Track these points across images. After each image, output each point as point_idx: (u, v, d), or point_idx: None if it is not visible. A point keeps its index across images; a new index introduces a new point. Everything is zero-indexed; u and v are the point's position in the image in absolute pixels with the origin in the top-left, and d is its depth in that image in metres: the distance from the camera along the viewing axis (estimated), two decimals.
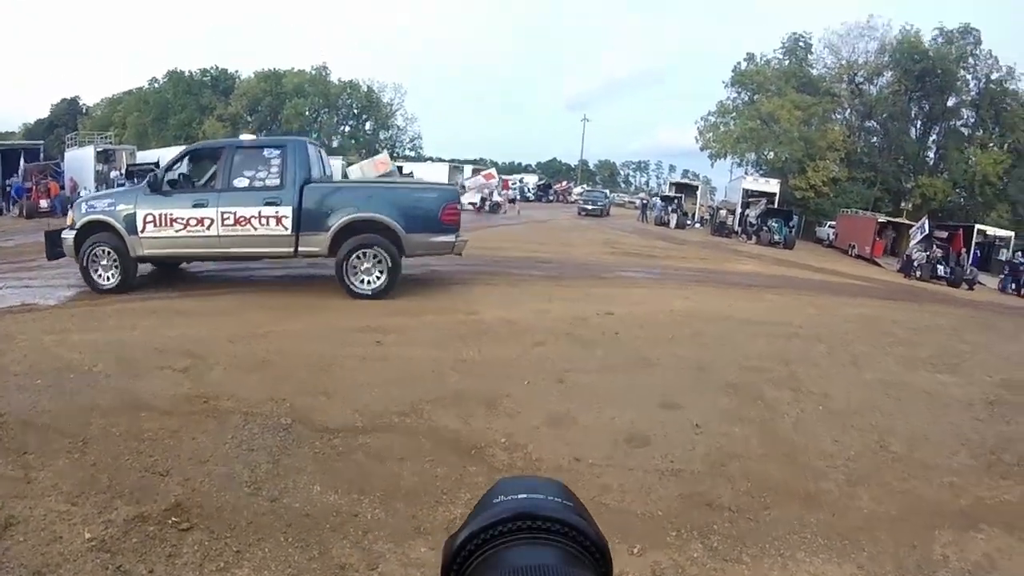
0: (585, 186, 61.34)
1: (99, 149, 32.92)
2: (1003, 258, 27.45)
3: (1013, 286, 24.94)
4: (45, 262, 11.54)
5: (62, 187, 25.68)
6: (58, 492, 4.08)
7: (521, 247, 19.43)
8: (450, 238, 10.32)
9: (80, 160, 31.38)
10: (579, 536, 0.56)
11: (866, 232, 32.10)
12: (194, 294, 10.08)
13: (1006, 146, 43.85)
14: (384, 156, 32.25)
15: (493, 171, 43.56)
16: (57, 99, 80.00)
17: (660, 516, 4.29)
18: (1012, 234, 30.40)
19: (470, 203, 36.23)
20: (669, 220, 37.37)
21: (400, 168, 32.02)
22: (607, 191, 56.24)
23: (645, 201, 49.45)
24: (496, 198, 37.79)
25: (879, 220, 32.27)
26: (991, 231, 30.53)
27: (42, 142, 31.18)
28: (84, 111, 76.87)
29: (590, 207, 43.12)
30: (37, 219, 22.16)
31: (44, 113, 78.70)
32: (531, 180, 43.65)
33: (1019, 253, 27.75)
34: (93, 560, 3.44)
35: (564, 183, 52.92)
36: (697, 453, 5.27)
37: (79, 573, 3.33)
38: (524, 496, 0.59)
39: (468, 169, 51.35)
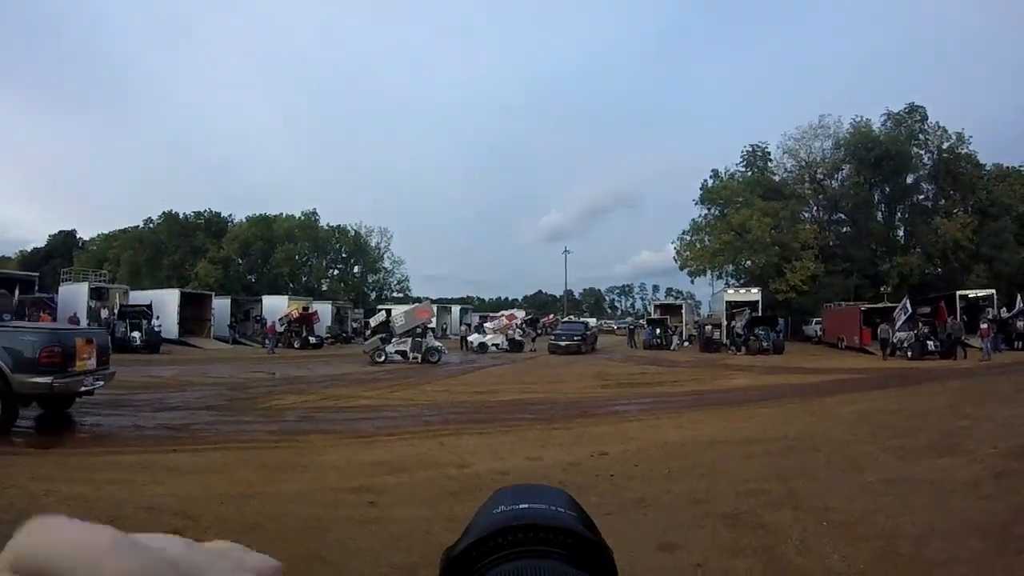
0: (571, 317, 61.47)
1: (93, 286, 33.48)
2: (991, 317, 27.54)
3: (1004, 343, 24.99)
4: (33, 404, 11.47)
5: (55, 321, 25.70)
6: None
7: (511, 389, 19.54)
8: (46, 379, 10.10)
9: (74, 295, 31.87)
10: (583, 545, 0.54)
11: (852, 323, 32.57)
12: (185, 449, 9.98)
13: (969, 208, 45.30)
14: (427, 304, 33.41)
15: (515, 312, 44.93)
16: (55, 230, 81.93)
17: None
18: (993, 291, 30.85)
19: (493, 344, 37.54)
20: (663, 342, 38.69)
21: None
22: (588, 320, 53.45)
23: (633, 326, 50.15)
24: (518, 337, 38.96)
25: (862, 309, 32.74)
26: (972, 294, 30.97)
27: (37, 274, 31.66)
28: (80, 244, 78.41)
29: (564, 343, 37.08)
30: None
31: (42, 242, 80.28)
32: (519, 315, 43.77)
33: (1003, 309, 28.02)
34: None
35: (552, 316, 53.61)
36: None
37: None
38: (526, 505, 0.57)
39: (456, 309, 52.70)
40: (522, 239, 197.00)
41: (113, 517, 6.44)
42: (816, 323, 40.48)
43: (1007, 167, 47.53)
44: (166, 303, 33.40)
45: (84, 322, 28.99)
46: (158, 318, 30.17)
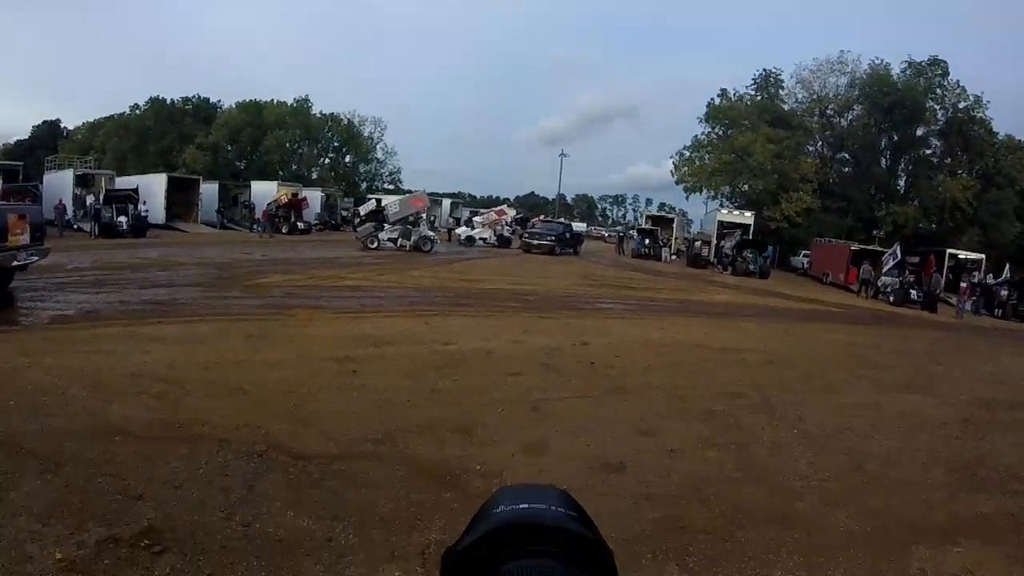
0: (542, 216, 60.72)
1: (78, 173, 32.84)
2: (975, 280, 27.83)
3: (985, 308, 25.41)
4: (20, 283, 11.41)
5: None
6: (29, 513, 4.01)
7: (499, 280, 19.61)
8: None
9: (59, 183, 31.24)
10: (582, 545, 0.54)
11: (840, 260, 32.63)
12: (171, 321, 9.99)
13: (975, 172, 44.95)
14: (422, 193, 32.79)
15: (505, 207, 44.13)
16: (38, 120, 79.74)
17: (635, 540, 4.30)
18: (983, 256, 31.02)
19: (481, 238, 36.98)
20: (652, 252, 37.87)
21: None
22: (572, 223, 50.40)
23: (623, 234, 49.74)
24: (507, 234, 38.59)
25: (852, 248, 32.78)
26: (963, 255, 31.16)
27: (22, 163, 30.90)
28: (65, 134, 76.37)
29: (535, 242, 34.40)
30: None
31: (25, 134, 78.36)
32: (509, 213, 42.87)
33: (991, 275, 28.31)
34: None
35: (542, 217, 52.48)
36: (673, 478, 5.31)
37: None
38: (525, 506, 0.58)
39: (446, 203, 51.92)
40: (519, 140, 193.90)
41: (96, 383, 6.54)
42: (804, 256, 40.60)
43: (1019, 140, 46.72)
44: (153, 188, 32.81)
45: (70, 209, 28.95)
46: (144, 203, 29.70)
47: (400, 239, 28.23)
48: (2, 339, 8.21)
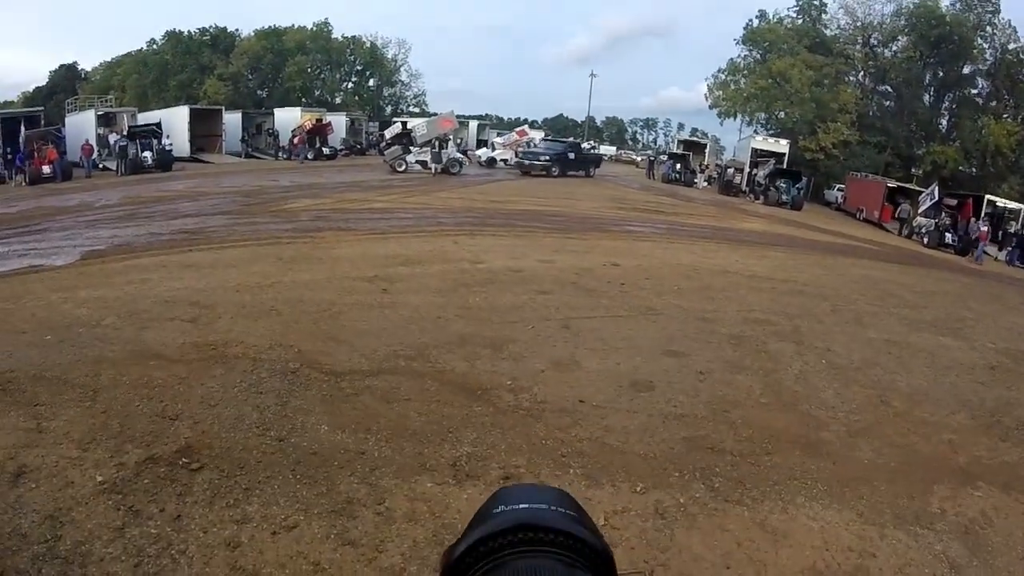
0: (592, 142, 57.58)
1: (100, 113, 32.71)
2: (1012, 230, 26.96)
3: (1019, 259, 24.72)
4: (51, 224, 11.49)
5: (63, 153, 25.53)
6: (70, 440, 4.12)
7: (527, 201, 19.43)
8: None
9: (81, 124, 31.19)
10: (582, 547, 0.54)
11: (875, 196, 31.77)
12: (202, 248, 10.08)
13: (1020, 118, 42.82)
14: (451, 114, 31.80)
15: (526, 128, 42.87)
16: (55, 65, 79.24)
17: (663, 457, 4.35)
18: (1022, 207, 29.95)
19: (502, 160, 35.91)
20: (683, 178, 36.55)
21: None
22: (576, 140, 44.26)
23: (652, 158, 48.49)
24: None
25: (888, 185, 31.86)
26: (1001, 203, 29.98)
27: (42, 109, 30.87)
28: (83, 76, 75.76)
29: (527, 162, 31.46)
30: (41, 185, 22.14)
31: (43, 80, 78.05)
32: (536, 136, 41.04)
33: None
34: (105, 502, 3.50)
35: (570, 140, 50.94)
36: (701, 399, 5.33)
37: (91, 515, 3.39)
38: (525, 506, 0.57)
39: (473, 125, 50.71)
40: (547, 60, 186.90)
41: (130, 312, 6.63)
42: (838, 189, 39.43)
43: None
44: (175, 121, 32.61)
45: (95, 149, 28.81)
46: (168, 137, 29.60)
47: (430, 161, 27.82)
48: (36, 277, 8.31)
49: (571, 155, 33.55)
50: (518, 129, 42.30)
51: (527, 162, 31.49)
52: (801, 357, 6.78)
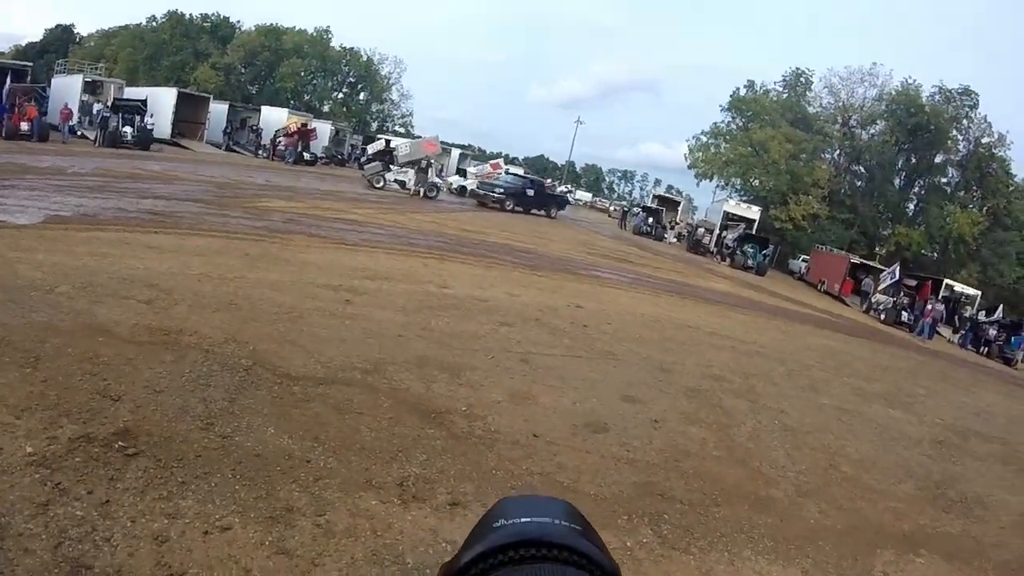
0: (569, 186, 57.61)
1: (88, 79, 32.11)
2: (967, 315, 27.88)
3: (972, 343, 25.53)
4: (19, 182, 11.18)
5: (43, 112, 24.94)
6: (3, 404, 3.95)
7: (499, 234, 19.47)
8: None
9: (67, 88, 30.60)
10: (588, 563, 0.51)
11: (838, 270, 32.55)
12: (168, 232, 9.87)
13: (985, 209, 44.55)
14: (435, 139, 31.85)
15: (500, 162, 43.20)
16: (52, 24, 78.18)
17: (612, 499, 4.33)
18: (979, 293, 30.97)
19: (472, 189, 36.08)
20: (654, 232, 37.20)
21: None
22: (539, 178, 41.82)
23: (626, 209, 49.20)
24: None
25: (852, 260, 32.70)
26: (959, 287, 31.07)
27: (31, 64, 30.25)
28: (78, 40, 74.90)
29: (482, 192, 31.39)
30: (16, 142, 21.58)
31: (37, 37, 76.87)
32: (518, 171, 41.51)
33: (983, 313, 28.35)
34: (32, 475, 3.34)
35: (549, 181, 51.39)
36: (654, 446, 5.34)
37: (15, 486, 3.23)
38: (527, 520, 0.54)
39: (455, 153, 50.96)
40: (535, 99, 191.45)
41: (86, 284, 6.45)
42: (803, 260, 40.42)
43: None
44: (161, 101, 32.07)
45: (75, 115, 28.09)
46: (152, 116, 29.13)
47: (408, 182, 27.83)
48: None
49: (529, 192, 33.19)
50: (492, 162, 42.76)
51: (482, 192, 31.45)
52: (755, 415, 6.87)
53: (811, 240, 41.77)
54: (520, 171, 43.15)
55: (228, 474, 3.72)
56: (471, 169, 40.31)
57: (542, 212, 33.32)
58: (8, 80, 24.32)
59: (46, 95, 26.70)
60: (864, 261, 33.60)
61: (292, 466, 3.92)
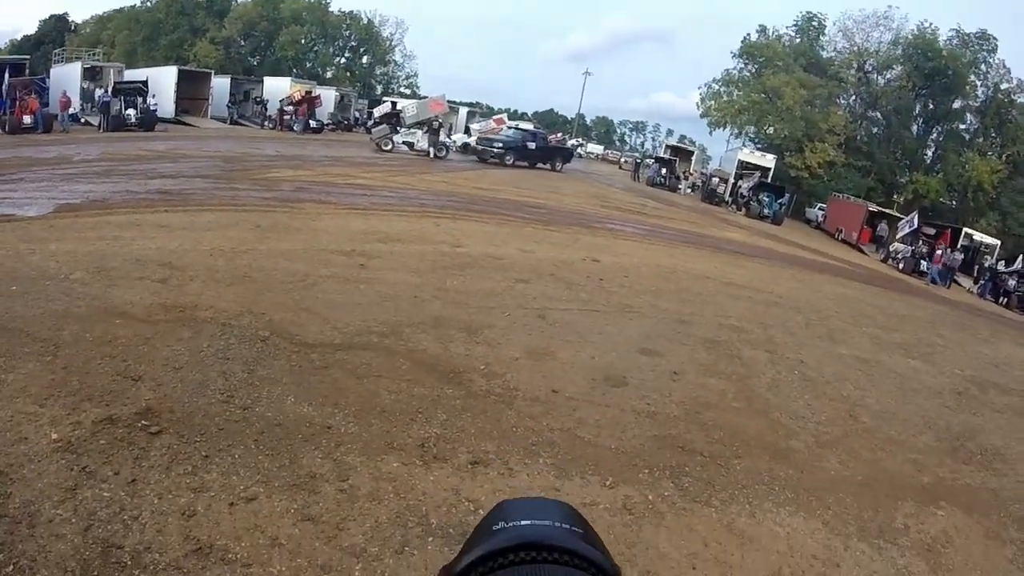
0: (579, 139, 55.89)
1: (86, 66, 31.90)
2: (986, 264, 27.37)
3: (991, 292, 25.17)
4: (27, 175, 11.19)
5: (45, 104, 24.93)
6: (26, 395, 3.98)
7: (510, 191, 19.25)
8: None
9: (66, 77, 30.41)
10: (589, 566, 0.51)
11: (855, 218, 32.05)
12: (178, 210, 9.84)
13: (1005, 156, 43.22)
14: (441, 97, 31.22)
15: (504, 117, 42.36)
16: (46, 15, 77.48)
17: (633, 453, 4.32)
18: (998, 243, 30.28)
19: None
20: (667, 182, 36.56)
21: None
22: (542, 131, 40.23)
23: (639, 160, 48.37)
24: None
25: (869, 208, 32.11)
26: (978, 236, 30.44)
27: (28, 58, 30.09)
28: (73, 28, 74.15)
29: (480, 148, 30.24)
30: (20, 135, 21.59)
31: (32, 29, 76.32)
32: (523, 127, 40.56)
33: (1003, 263, 27.88)
34: (58, 461, 3.38)
35: (559, 134, 50.14)
36: (673, 399, 5.31)
37: (43, 474, 3.27)
38: (527, 522, 0.54)
39: (463, 111, 50.22)
40: (543, 53, 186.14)
41: (99, 268, 6.46)
42: (819, 209, 39.72)
43: None
44: (163, 81, 31.83)
45: (76, 103, 28.02)
46: (154, 96, 28.93)
47: (416, 143, 27.48)
48: (7, 227, 8.04)
49: (530, 145, 31.54)
50: (495, 117, 41.52)
51: (480, 148, 30.27)
52: (774, 366, 6.82)
53: (827, 188, 41.00)
54: (530, 126, 41.94)
55: (251, 445, 3.75)
56: (474, 126, 39.27)
57: (547, 166, 32.05)
58: (6, 75, 24.27)
59: (46, 86, 26.71)
60: (882, 209, 33.03)
61: (313, 433, 3.94)
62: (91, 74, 31.27)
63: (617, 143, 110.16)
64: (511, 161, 29.72)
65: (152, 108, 27.94)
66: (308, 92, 36.06)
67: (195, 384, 4.34)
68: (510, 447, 4.14)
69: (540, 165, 31.44)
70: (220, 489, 3.35)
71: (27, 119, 22.85)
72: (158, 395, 4.15)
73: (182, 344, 4.90)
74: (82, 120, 27.65)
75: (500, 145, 30.17)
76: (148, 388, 4.22)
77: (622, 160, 61.48)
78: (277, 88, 37.44)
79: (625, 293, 8.55)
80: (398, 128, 27.69)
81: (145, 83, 28.87)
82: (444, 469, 3.78)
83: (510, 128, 36.97)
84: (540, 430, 4.41)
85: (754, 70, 47.38)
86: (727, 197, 34.50)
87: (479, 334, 6.02)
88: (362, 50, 67.01)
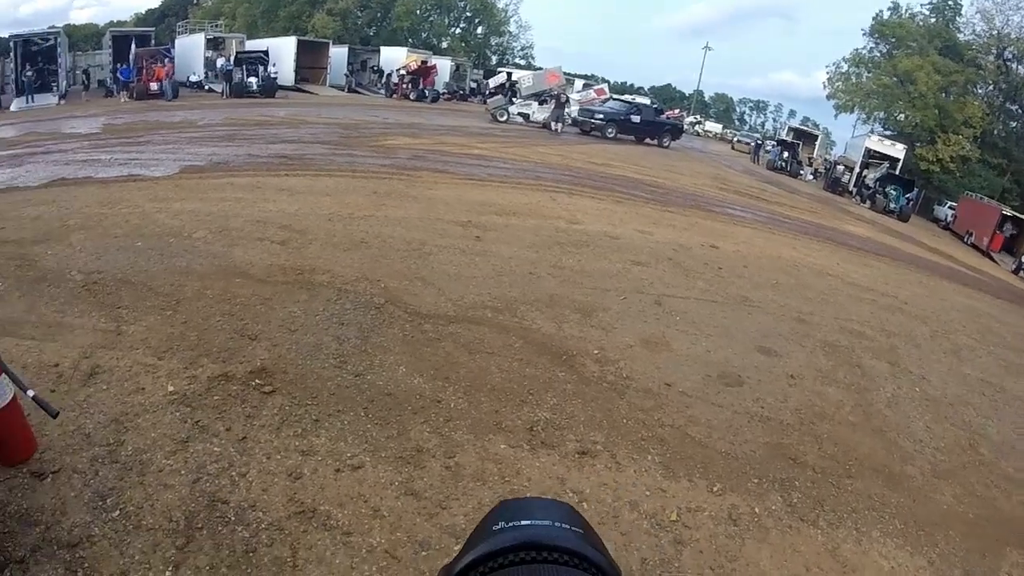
0: (697, 116, 53.18)
1: (209, 37, 33.61)
2: None
3: None
4: (154, 136, 11.76)
5: (171, 73, 26.46)
6: (146, 346, 4.17)
7: (626, 167, 18.78)
8: None
9: (190, 47, 32.19)
10: (589, 567, 0.51)
11: (987, 221, 29.47)
12: (298, 174, 10.18)
13: None
14: (558, 69, 31.06)
15: (605, 88, 41.56)
16: None
17: (744, 460, 4.10)
18: None
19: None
20: (788, 167, 34.85)
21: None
22: (651, 105, 36.05)
23: (759, 142, 46.27)
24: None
25: (1004, 212, 29.58)
26: None
27: (153, 29, 32.00)
28: (195, 1, 78.00)
29: (580, 119, 28.81)
30: (146, 101, 23.08)
31: (156, 3, 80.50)
32: (642, 103, 39.25)
33: None
34: (172, 413, 3.52)
35: (677, 111, 48.12)
36: (789, 405, 5.02)
37: (157, 424, 3.41)
38: (527, 523, 0.54)
39: (578, 83, 49.29)
40: (661, 26, 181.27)
41: (221, 228, 6.73)
42: (949, 207, 36.77)
43: None
44: (283, 51, 33.14)
45: (200, 71, 30.00)
46: (274, 65, 30.17)
47: (532, 115, 27.33)
48: (134, 187, 8.52)
49: (634, 118, 29.57)
50: (596, 88, 40.35)
51: (581, 119, 28.83)
52: (895, 380, 6.32)
53: (959, 185, 37.81)
54: (646, 100, 40.55)
55: (360, 412, 3.79)
56: (574, 96, 38.35)
57: (654, 142, 30.08)
58: (133, 45, 25.87)
59: (171, 55, 28.24)
60: (1016, 214, 30.34)
61: (423, 406, 3.95)
62: (214, 44, 33.00)
63: (736, 122, 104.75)
64: (612, 134, 28.33)
65: (273, 76, 29.15)
66: (424, 62, 36.62)
67: (309, 347, 4.44)
68: (619, 439, 4.01)
69: (648, 141, 29.92)
70: (327, 454, 3.40)
71: (153, 86, 24.55)
72: (273, 355, 4.26)
73: (298, 306, 5.03)
74: (206, 88, 29.27)
75: (601, 116, 28.77)
76: (264, 348, 4.35)
77: (734, 140, 58.96)
78: (393, 57, 38.31)
79: (743, 284, 8.17)
80: (514, 99, 27.62)
81: (266, 53, 30.13)
82: (551, 456, 3.70)
83: (613, 99, 35.64)
84: (651, 424, 4.26)
85: (885, 51, 44.07)
86: (851, 187, 32.40)
87: (593, 316, 5.90)
88: (477, 20, 67.34)
